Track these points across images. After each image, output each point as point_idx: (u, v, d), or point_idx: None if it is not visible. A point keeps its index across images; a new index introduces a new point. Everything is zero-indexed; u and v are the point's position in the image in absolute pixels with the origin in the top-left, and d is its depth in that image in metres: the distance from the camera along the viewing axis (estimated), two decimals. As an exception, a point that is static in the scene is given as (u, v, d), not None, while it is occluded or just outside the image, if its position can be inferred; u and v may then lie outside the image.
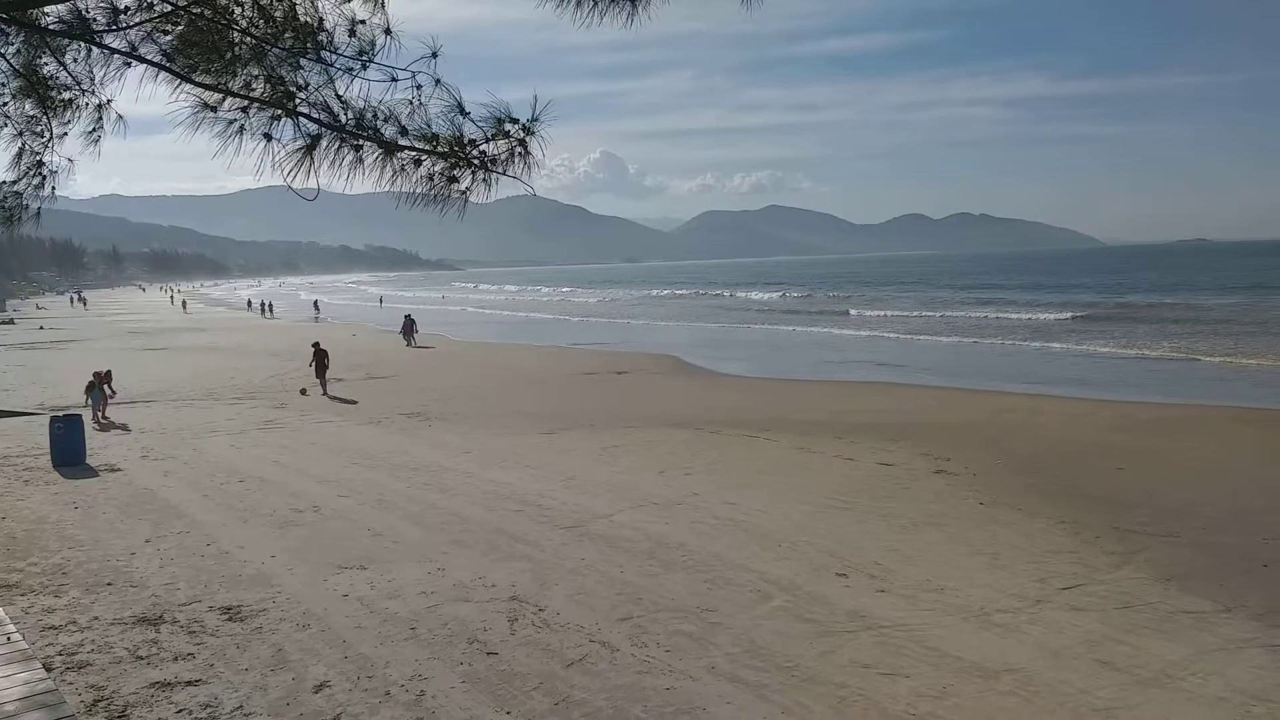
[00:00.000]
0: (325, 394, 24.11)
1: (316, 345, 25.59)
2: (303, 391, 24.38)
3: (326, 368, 25.00)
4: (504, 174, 4.98)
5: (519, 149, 4.95)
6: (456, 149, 4.95)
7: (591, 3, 4.91)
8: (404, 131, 5.03)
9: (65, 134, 6.42)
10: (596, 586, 9.03)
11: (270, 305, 76.81)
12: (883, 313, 52.52)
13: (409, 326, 41.46)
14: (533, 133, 4.93)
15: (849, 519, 11.43)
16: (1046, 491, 12.70)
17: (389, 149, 5.01)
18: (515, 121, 4.91)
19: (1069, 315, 46.80)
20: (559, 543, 10.49)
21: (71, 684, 6.85)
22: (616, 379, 27.10)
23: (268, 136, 5.18)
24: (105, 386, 21.04)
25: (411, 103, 5.00)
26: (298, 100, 5.24)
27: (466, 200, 5.09)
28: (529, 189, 4.95)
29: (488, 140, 4.95)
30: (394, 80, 5.07)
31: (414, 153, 5.03)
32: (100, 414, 20.13)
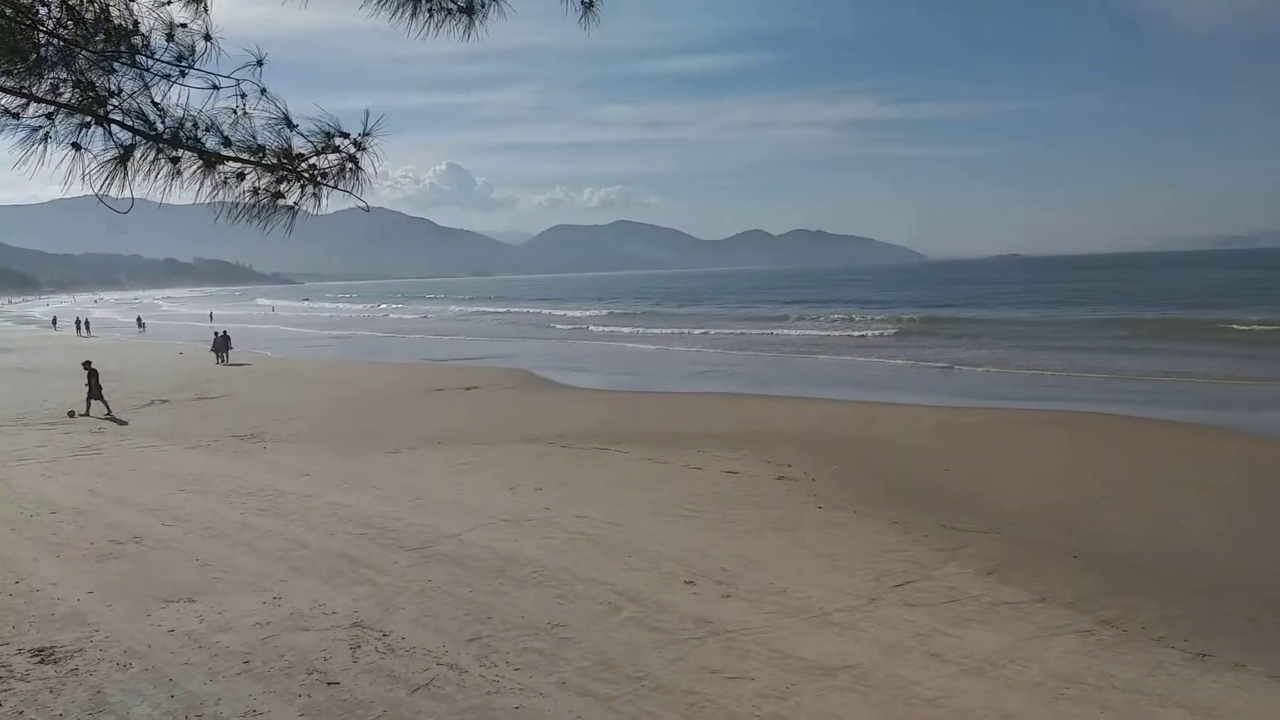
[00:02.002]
0: (108, 414, 22.81)
1: (88, 364, 24.13)
2: (70, 414, 22.89)
3: (100, 387, 23.65)
4: (335, 188, 4.83)
5: (350, 163, 4.81)
6: (284, 162, 4.76)
7: (427, 14, 4.85)
8: (227, 142, 4.80)
9: None
10: (444, 608, 8.84)
11: (87, 323, 71.55)
12: (720, 330, 53.67)
13: (222, 343, 39.44)
14: (364, 148, 4.81)
15: (696, 527, 11.65)
16: (879, 494, 13.34)
17: (210, 160, 4.76)
18: (345, 135, 4.77)
19: (893, 329, 49.40)
20: (405, 565, 10.21)
21: None
22: (465, 395, 26.69)
23: (76, 146, 4.83)
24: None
25: (235, 112, 4.78)
26: (110, 107, 4.91)
27: (294, 215, 4.90)
28: (362, 204, 4.82)
29: (317, 153, 4.79)
30: (216, 88, 4.84)
31: (238, 165, 4.81)
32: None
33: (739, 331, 52.26)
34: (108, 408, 23.35)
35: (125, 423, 21.88)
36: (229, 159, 4.80)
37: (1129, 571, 9.83)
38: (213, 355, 38.87)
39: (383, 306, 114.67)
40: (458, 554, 10.59)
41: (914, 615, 8.58)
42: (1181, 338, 37.68)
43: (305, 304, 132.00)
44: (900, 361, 34.50)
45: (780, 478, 14.40)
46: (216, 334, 40.82)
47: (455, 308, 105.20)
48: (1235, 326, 40.59)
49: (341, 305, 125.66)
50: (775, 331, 51.06)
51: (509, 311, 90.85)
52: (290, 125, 4.77)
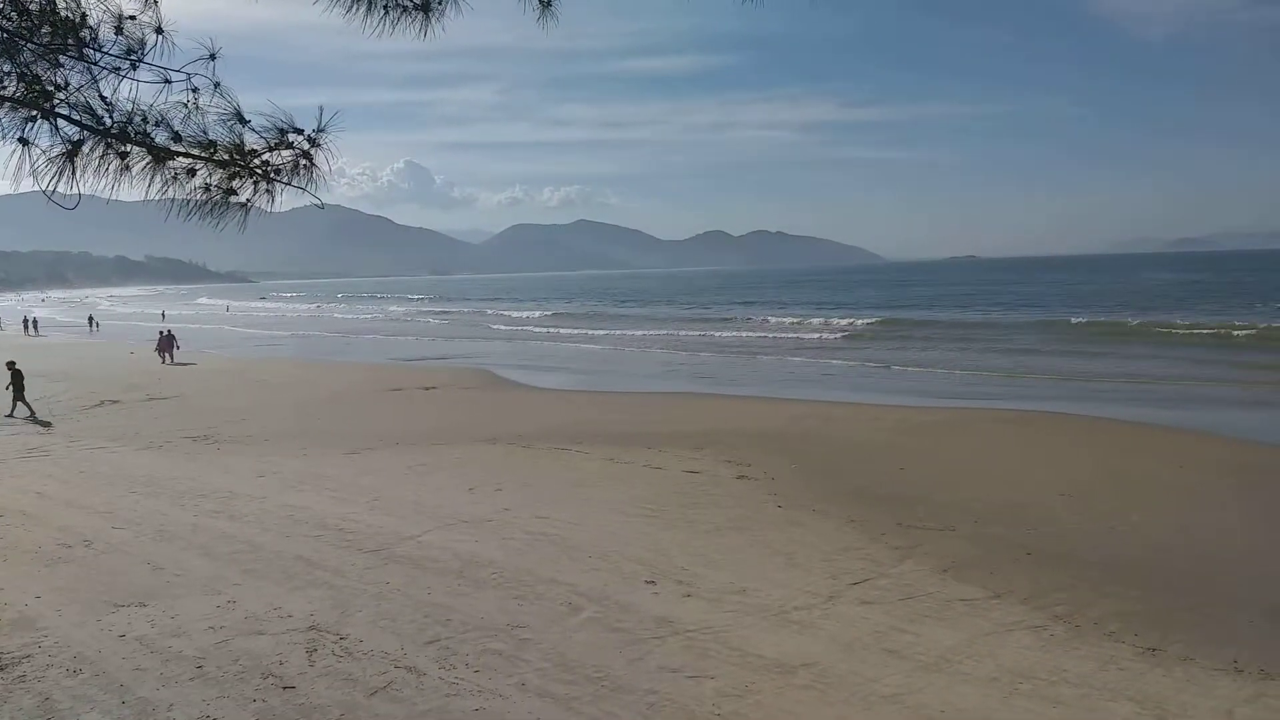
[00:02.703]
0: (30, 416, 22.32)
1: (12, 365, 23.59)
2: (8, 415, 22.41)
3: (22, 389, 23.13)
4: (289, 185, 4.75)
5: (304, 160, 4.74)
6: (236, 158, 4.68)
7: (383, 11, 4.79)
8: (178, 138, 4.70)
9: None
10: (402, 610, 8.76)
11: (35, 322, 69.83)
12: (682, 332, 53.58)
13: (167, 342, 38.73)
14: (319, 144, 4.74)
15: (658, 527, 11.66)
16: (838, 492, 13.46)
17: (160, 156, 4.66)
18: (300, 131, 4.70)
19: (847, 331, 49.91)
20: (362, 567, 10.10)
21: None
22: (424, 395, 26.46)
23: (23, 141, 4.71)
24: None
25: (187, 107, 4.69)
26: (56, 101, 4.79)
27: (247, 212, 4.82)
28: (317, 201, 4.75)
29: (270, 150, 4.71)
30: (167, 83, 4.74)
31: (189, 160, 4.71)
32: None
33: (699, 333, 52.34)
34: (30, 410, 22.80)
35: (48, 424, 21.34)
36: (179, 155, 4.70)
37: (1082, 568, 10.01)
38: (157, 355, 38.13)
39: (328, 306, 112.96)
40: (416, 555, 10.50)
41: (871, 613, 8.67)
42: (1121, 341, 38.80)
43: (261, 303, 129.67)
44: (855, 362, 34.84)
45: (741, 477, 14.47)
46: (161, 333, 40.05)
47: (396, 307, 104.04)
48: (1176, 330, 41.66)
49: (283, 305, 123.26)
50: (733, 333, 51.29)
51: (456, 312, 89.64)
52: (243, 121, 4.69)
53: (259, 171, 4.75)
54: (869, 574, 9.80)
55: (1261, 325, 39.40)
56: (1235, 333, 38.58)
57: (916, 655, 7.68)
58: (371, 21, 4.79)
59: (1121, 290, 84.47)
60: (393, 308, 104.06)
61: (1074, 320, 49.29)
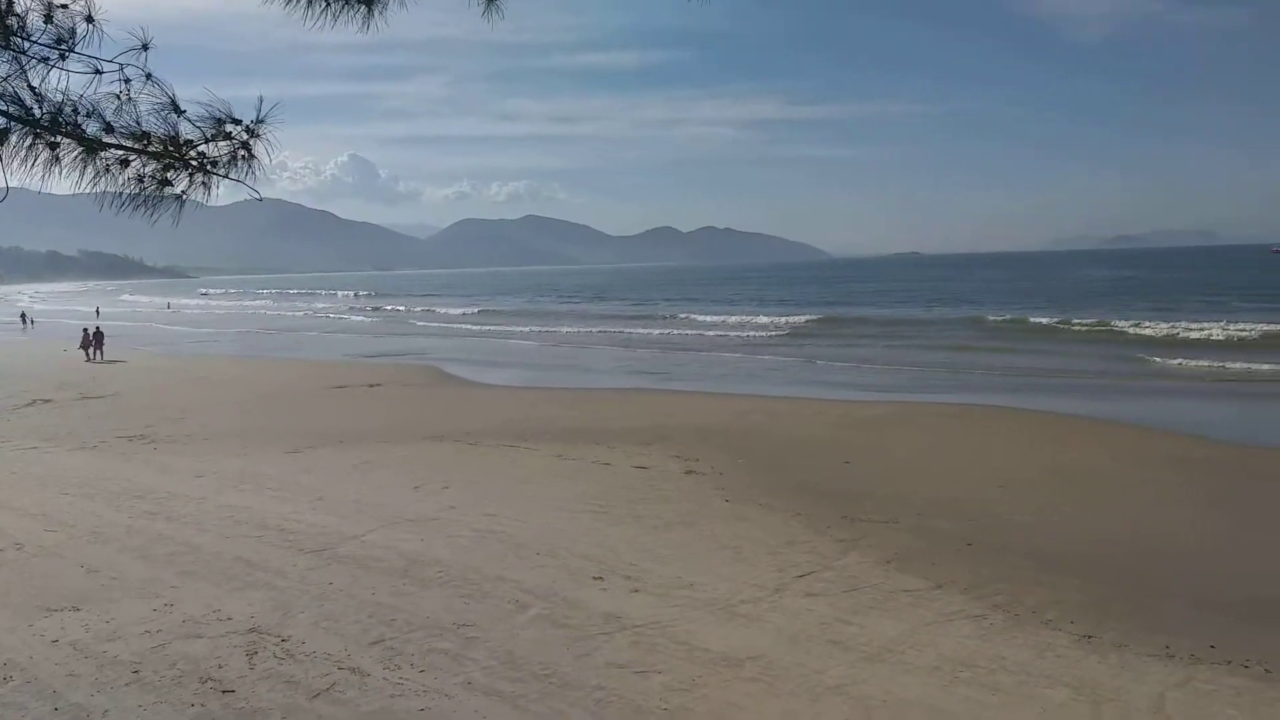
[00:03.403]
0: None
1: None
2: None
3: None
4: (226, 177, 4.65)
5: (242, 151, 4.64)
6: (170, 149, 4.56)
7: (324, 4, 4.71)
8: (110, 129, 4.57)
9: None
10: (346, 610, 8.64)
11: (-39, 319, 67.39)
12: (632, 330, 53.59)
13: (93, 339, 37.70)
14: (257, 135, 4.64)
15: (606, 522, 11.66)
16: (784, 486, 13.59)
17: (91, 147, 4.53)
18: (238, 122, 4.60)
19: (789, 328, 50.45)
20: (304, 568, 9.94)
21: None
22: (370, 392, 26.11)
23: None
24: None
25: (119, 97, 4.55)
26: (-19, 90, 4.63)
27: (182, 204, 4.70)
28: (254, 194, 4.65)
29: (206, 141, 4.60)
30: (99, 73, 4.60)
31: (121, 152, 4.58)
32: None
33: (644, 330, 52.41)
34: None
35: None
36: (112, 146, 4.57)
37: (1020, 559, 10.25)
38: (82, 352, 37.08)
39: (251, 304, 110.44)
40: (360, 555, 10.37)
41: (817, 605, 8.77)
42: (1029, 338, 40.04)
43: (197, 300, 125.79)
44: (799, 359, 35.19)
45: (689, 472, 14.53)
46: (86, 330, 38.96)
47: (322, 304, 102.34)
48: (1073, 327, 42.97)
49: (212, 302, 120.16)
50: (679, 331, 51.38)
51: (389, 309, 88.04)
52: (178, 111, 4.57)
53: (194, 163, 4.64)
54: (814, 567, 9.91)
55: (1165, 326, 40.41)
56: (1129, 330, 39.99)
57: (861, 646, 7.79)
58: (313, 13, 4.70)
59: (1051, 288, 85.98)
60: (319, 304, 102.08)
61: (991, 318, 50.38)
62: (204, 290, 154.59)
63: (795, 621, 8.34)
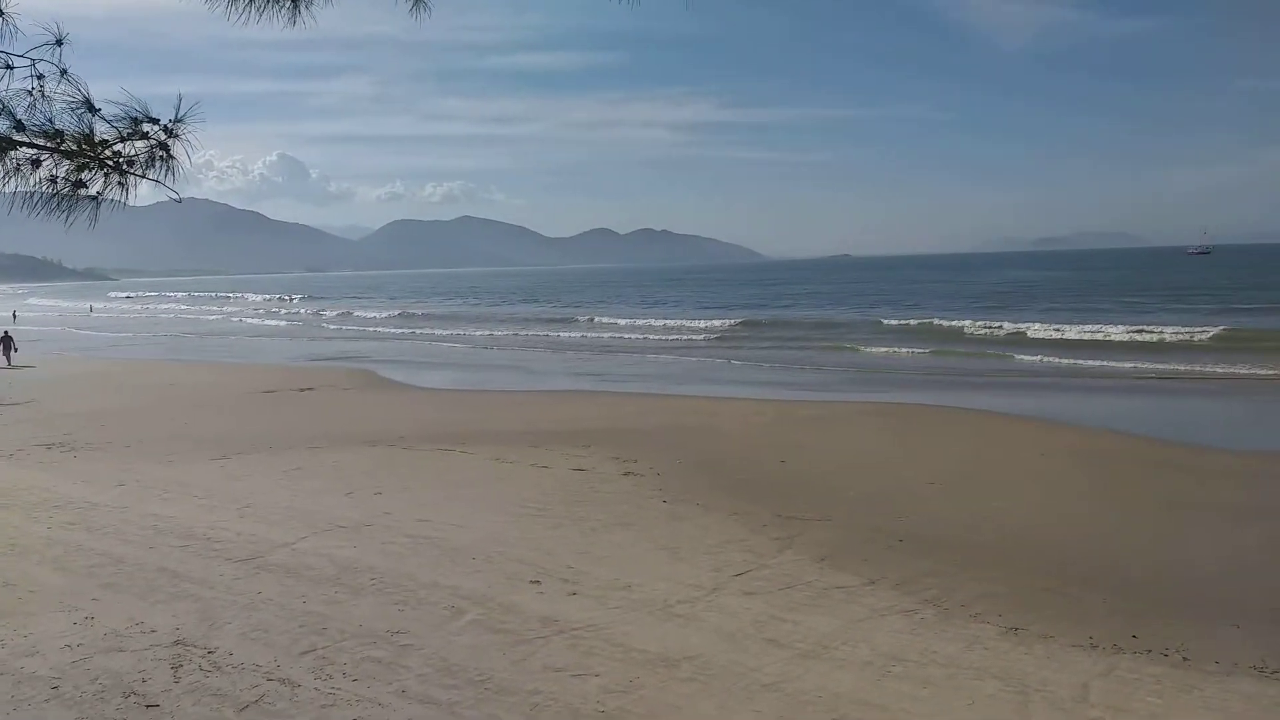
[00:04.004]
0: None
1: None
2: None
3: None
4: (143, 177, 4.51)
5: (160, 151, 4.50)
6: (84, 148, 4.40)
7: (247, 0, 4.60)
8: (20, 127, 4.40)
9: None
10: (275, 620, 8.45)
11: None
12: (571, 334, 53.28)
13: (3, 343, 36.35)
14: (176, 135, 4.51)
15: (543, 525, 11.60)
16: (722, 486, 13.68)
17: (0, 146, 4.36)
18: (155, 121, 4.46)
19: (721, 331, 50.90)
20: (231, 577, 9.69)
21: None
22: (300, 396, 25.59)
23: None
24: None
25: (31, 94, 4.39)
26: (-120, 85, 4.42)
27: (98, 206, 4.55)
28: (173, 195, 4.52)
29: (122, 140, 4.46)
30: (9, 68, 4.43)
31: (32, 151, 4.42)
32: None
33: (579, 334, 52.34)
34: None
35: None
36: (22, 144, 4.41)
37: (949, 553, 10.47)
38: None
39: (161, 307, 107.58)
40: (290, 563, 10.15)
41: (753, 603, 8.85)
42: (937, 341, 40.90)
43: (110, 304, 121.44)
44: (737, 361, 35.55)
45: (627, 474, 14.54)
46: None
47: (231, 308, 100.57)
48: (968, 332, 43.93)
49: (124, 305, 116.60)
50: (611, 335, 51.38)
51: (300, 313, 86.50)
52: (93, 109, 4.42)
53: (110, 163, 4.49)
54: (751, 565, 10.00)
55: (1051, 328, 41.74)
56: (1029, 333, 41.33)
57: (795, 643, 7.88)
58: (236, 8, 4.59)
59: (970, 290, 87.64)
60: (229, 308, 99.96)
61: (885, 321, 51.28)
62: (111, 295, 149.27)
63: (732, 620, 8.39)
